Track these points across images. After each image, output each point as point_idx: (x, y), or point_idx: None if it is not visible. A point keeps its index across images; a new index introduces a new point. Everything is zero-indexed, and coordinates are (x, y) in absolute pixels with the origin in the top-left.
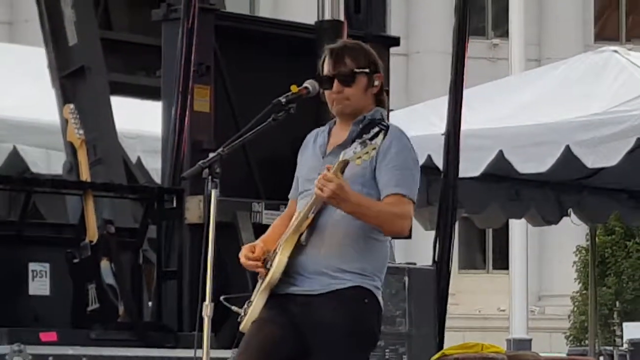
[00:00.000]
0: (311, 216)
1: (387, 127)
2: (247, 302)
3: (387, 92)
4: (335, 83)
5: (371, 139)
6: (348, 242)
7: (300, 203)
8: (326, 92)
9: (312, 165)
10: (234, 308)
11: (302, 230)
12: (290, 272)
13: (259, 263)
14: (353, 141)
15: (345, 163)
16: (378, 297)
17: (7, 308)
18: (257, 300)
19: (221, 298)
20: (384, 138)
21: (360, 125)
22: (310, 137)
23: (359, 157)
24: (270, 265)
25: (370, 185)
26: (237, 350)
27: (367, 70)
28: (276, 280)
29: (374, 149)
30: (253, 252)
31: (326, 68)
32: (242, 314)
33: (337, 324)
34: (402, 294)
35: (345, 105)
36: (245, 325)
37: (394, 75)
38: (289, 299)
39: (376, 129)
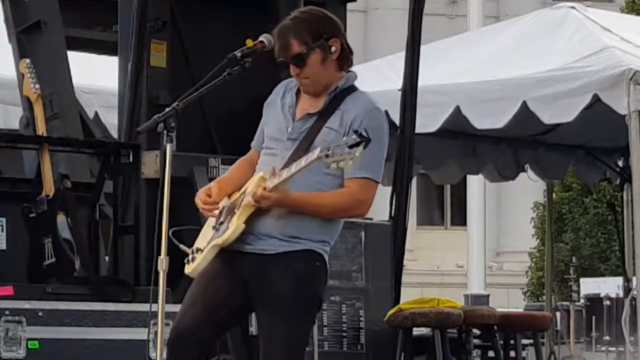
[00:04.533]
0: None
1: (369, 139)
2: (195, 247)
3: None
4: (291, 66)
5: (351, 146)
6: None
7: (264, 159)
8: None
9: (280, 125)
10: (182, 246)
11: None
12: (244, 232)
13: (216, 207)
14: (329, 114)
15: (318, 160)
16: (327, 261)
17: None
18: (207, 253)
19: (170, 231)
20: (364, 148)
21: (332, 95)
22: (279, 90)
23: (335, 162)
24: (227, 226)
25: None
26: (184, 303)
27: (317, 43)
28: (230, 243)
29: (352, 159)
30: (210, 196)
31: (276, 52)
32: (190, 256)
33: (285, 285)
34: (358, 249)
35: (307, 85)
36: (193, 271)
37: (352, 32)
38: (240, 256)
39: (357, 139)
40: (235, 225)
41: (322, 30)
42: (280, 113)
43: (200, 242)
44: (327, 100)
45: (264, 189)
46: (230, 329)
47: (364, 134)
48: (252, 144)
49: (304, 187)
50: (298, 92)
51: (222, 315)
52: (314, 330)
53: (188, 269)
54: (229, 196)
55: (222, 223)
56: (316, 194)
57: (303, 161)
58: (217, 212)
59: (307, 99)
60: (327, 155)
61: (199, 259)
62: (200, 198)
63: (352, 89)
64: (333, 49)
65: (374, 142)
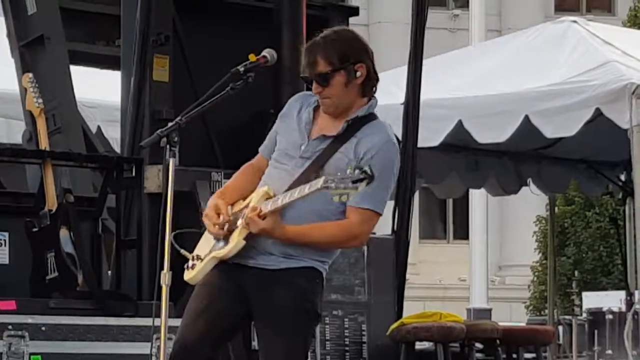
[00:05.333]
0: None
1: (372, 177)
2: (196, 254)
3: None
4: (314, 84)
5: (355, 181)
6: None
7: (273, 172)
8: None
9: (294, 141)
10: (183, 251)
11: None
12: (246, 246)
13: (223, 230)
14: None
15: (320, 190)
16: (324, 278)
17: None
18: (206, 263)
19: (172, 235)
20: (367, 185)
21: (351, 121)
22: (295, 103)
23: (337, 194)
24: (228, 240)
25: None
26: (185, 317)
27: (343, 65)
28: (229, 257)
29: (355, 192)
30: (219, 215)
31: (302, 67)
32: (190, 263)
33: (287, 301)
34: (361, 263)
35: (327, 105)
36: (191, 279)
37: None
38: (241, 270)
39: (362, 175)
40: (235, 241)
41: (350, 53)
42: (295, 128)
43: (201, 249)
44: (345, 126)
45: (259, 213)
46: (230, 340)
47: (369, 171)
48: (261, 150)
49: (308, 210)
50: (315, 110)
51: (222, 329)
52: (316, 344)
53: (187, 276)
54: (232, 205)
55: (224, 234)
56: (310, 227)
57: (306, 189)
58: (222, 233)
59: (325, 119)
60: (329, 187)
61: (198, 267)
62: (210, 218)
63: (371, 117)
64: (358, 73)
65: (383, 176)
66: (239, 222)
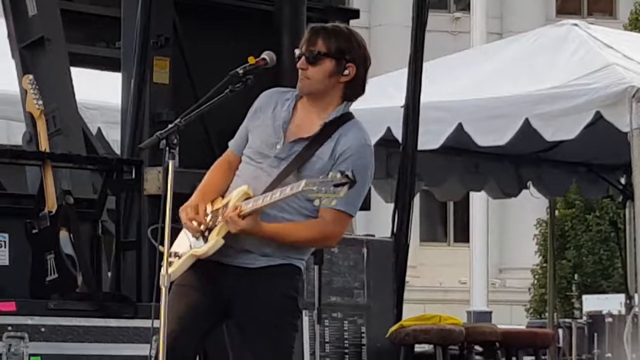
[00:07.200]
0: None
1: (354, 181)
2: (174, 251)
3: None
4: (302, 59)
5: (336, 185)
6: None
7: (248, 169)
8: None
9: (268, 140)
10: (161, 247)
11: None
12: (225, 245)
13: (201, 228)
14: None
15: (302, 192)
16: (303, 273)
17: None
18: (185, 261)
19: (149, 230)
20: (348, 189)
21: (327, 123)
22: (268, 99)
23: (318, 198)
24: (207, 238)
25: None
26: (169, 320)
27: (335, 57)
28: (208, 256)
29: (336, 198)
30: (197, 213)
31: (300, 43)
32: (166, 260)
33: (272, 301)
34: (360, 266)
35: (304, 84)
36: (173, 273)
37: None
38: (220, 268)
39: (344, 180)
40: (214, 240)
41: (348, 51)
42: (270, 127)
43: (178, 246)
44: (320, 128)
45: (239, 212)
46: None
47: (350, 175)
48: (230, 145)
49: (287, 208)
50: (293, 108)
51: (204, 329)
52: (315, 346)
53: (169, 271)
54: (212, 202)
55: (202, 232)
56: (286, 227)
57: (287, 190)
58: (199, 231)
59: (302, 117)
60: (310, 190)
61: (177, 265)
62: (188, 215)
63: (347, 116)
64: (346, 72)
65: (358, 179)
66: (219, 220)
